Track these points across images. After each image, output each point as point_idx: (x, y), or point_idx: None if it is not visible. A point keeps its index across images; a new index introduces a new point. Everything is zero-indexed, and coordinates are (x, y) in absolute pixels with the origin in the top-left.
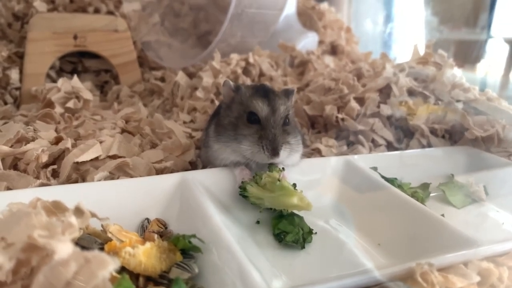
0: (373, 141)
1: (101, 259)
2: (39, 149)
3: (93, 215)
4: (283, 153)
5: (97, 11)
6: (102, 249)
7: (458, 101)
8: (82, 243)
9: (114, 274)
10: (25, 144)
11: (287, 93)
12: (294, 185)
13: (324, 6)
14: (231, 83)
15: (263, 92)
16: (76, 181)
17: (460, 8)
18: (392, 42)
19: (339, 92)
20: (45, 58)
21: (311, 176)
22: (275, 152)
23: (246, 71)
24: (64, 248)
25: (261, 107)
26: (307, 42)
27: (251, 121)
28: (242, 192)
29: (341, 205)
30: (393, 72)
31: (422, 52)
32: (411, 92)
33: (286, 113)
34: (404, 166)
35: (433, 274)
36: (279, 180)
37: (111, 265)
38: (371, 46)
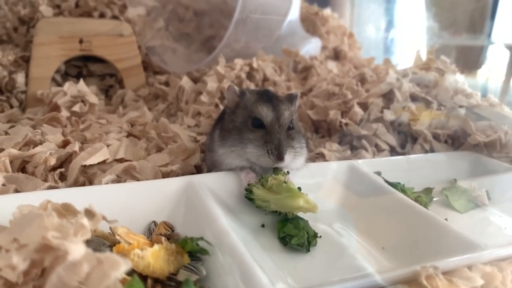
0: (376, 146)
1: (114, 260)
2: (47, 152)
3: (103, 217)
4: (288, 157)
5: (102, 15)
6: (110, 251)
7: (460, 106)
8: (90, 246)
9: (124, 275)
10: (33, 147)
11: (291, 98)
12: (299, 188)
13: (327, 12)
14: (236, 88)
15: (267, 97)
16: (83, 184)
17: (461, 14)
18: (394, 48)
19: (343, 97)
20: (51, 62)
21: (315, 180)
22: (280, 157)
23: (250, 76)
24: (77, 249)
25: (265, 113)
26: (310, 47)
27: (256, 126)
28: (248, 195)
29: (345, 209)
30: (396, 77)
31: (424, 58)
32: (414, 98)
33: (291, 118)
34: (407, 170)
35: (438, 277)
36: (285, 182)
37: (123, 266)
38: (373, 52)
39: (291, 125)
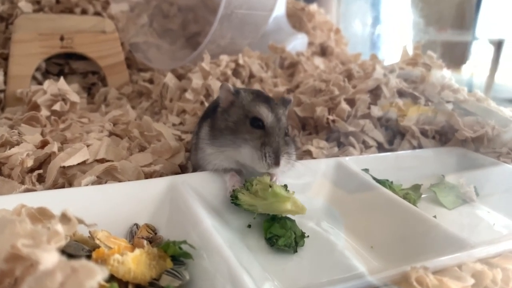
0: (363, 142)
1: (89, 269)
2: (24, 153)
3: (80, 221)
4: (283, 163)
5: (84, 12)
6: (89, 256)
7: (448, 102)
8: (68, 251)
9: (103, 283)
10: (10, 148)
11: (285, 103)
12: (286, 186)
13: (313, 7)
14: (230, 86)
15: (265, 98)
16: (62, 186)
17: (446, 10)
18: (380, 43)
19: (330, 94)
20: (30, 60)
21: (302, 179)
22: (277, 162)
23: (236, 73)
24: (49, 258)
25: (266, 114)
26: (297, 43)
27: (255, 126)
28: (234, 201)
29: (333, 207)
30: (383, 73)
31: (410, 53)
32: (401, 93)
33: (287, 124)
34: (395, 167)
35: (428, 278)
36: (270, 187)
37: (99, 275)
38: (359, 47)
39: (287, 131)
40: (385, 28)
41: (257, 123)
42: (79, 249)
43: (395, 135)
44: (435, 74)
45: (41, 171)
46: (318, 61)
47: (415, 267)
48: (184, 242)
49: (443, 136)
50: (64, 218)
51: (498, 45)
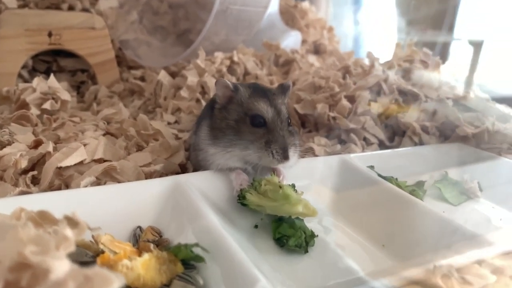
0: (364, 139)
1: (104, 277)
2: (17, 153)
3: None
4: (291, 155)
5: (71, 8)
6: (93, 262)
7: (447, 98)
8: (71, 257)
9: None
10: (1, 149)
11: (284, 90)
12: (293, 185)
13: (306, 4)
14: (228, 82)
15: (263, 92)
16: (59, 188)
17: (427, 11)
18: (364, 42)
19: (330, 91)
20: (17, 57)
21: (309, 177)
22: (286, 156)
23: (231, 70)
24: (60, 266)
25: (266, 109)
26: (291, 40)
27: (256, 124)
28: (241, 201)
29: (341, 205)
30: (382, 70)
31: (399, 52)
32: (400, 90)
33: (288, 114)
34: (398, 164)
35: (453, 276)
36: (280, 187)
37: (115, 283)
38: (348, 46)
39: (289, 120)
40: (368, 28)
41: (258, 120)
42: (83, 254)
43: (395, 132)
44: (433, 71)
45: (35, 172)
46: (312, 59)
47: (440, 266)
48: (196, 245)
49: (444, 133)
50: (71, 222)
51: (478, 46)
